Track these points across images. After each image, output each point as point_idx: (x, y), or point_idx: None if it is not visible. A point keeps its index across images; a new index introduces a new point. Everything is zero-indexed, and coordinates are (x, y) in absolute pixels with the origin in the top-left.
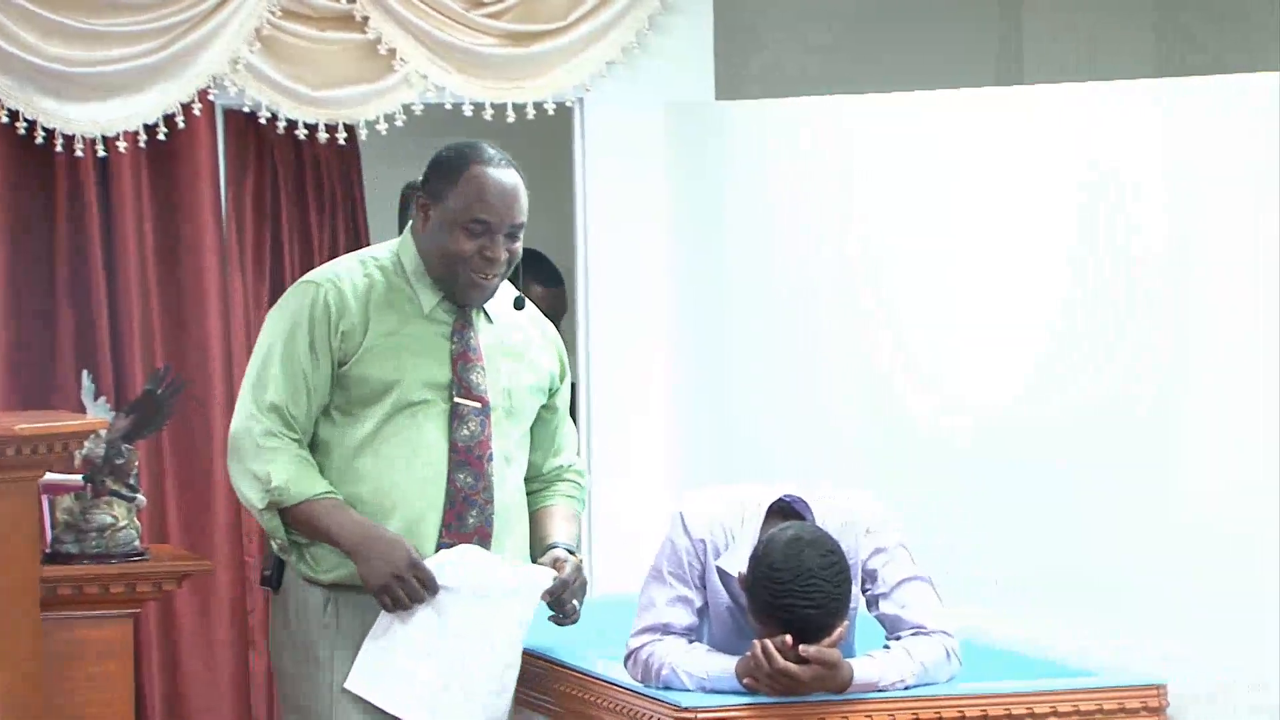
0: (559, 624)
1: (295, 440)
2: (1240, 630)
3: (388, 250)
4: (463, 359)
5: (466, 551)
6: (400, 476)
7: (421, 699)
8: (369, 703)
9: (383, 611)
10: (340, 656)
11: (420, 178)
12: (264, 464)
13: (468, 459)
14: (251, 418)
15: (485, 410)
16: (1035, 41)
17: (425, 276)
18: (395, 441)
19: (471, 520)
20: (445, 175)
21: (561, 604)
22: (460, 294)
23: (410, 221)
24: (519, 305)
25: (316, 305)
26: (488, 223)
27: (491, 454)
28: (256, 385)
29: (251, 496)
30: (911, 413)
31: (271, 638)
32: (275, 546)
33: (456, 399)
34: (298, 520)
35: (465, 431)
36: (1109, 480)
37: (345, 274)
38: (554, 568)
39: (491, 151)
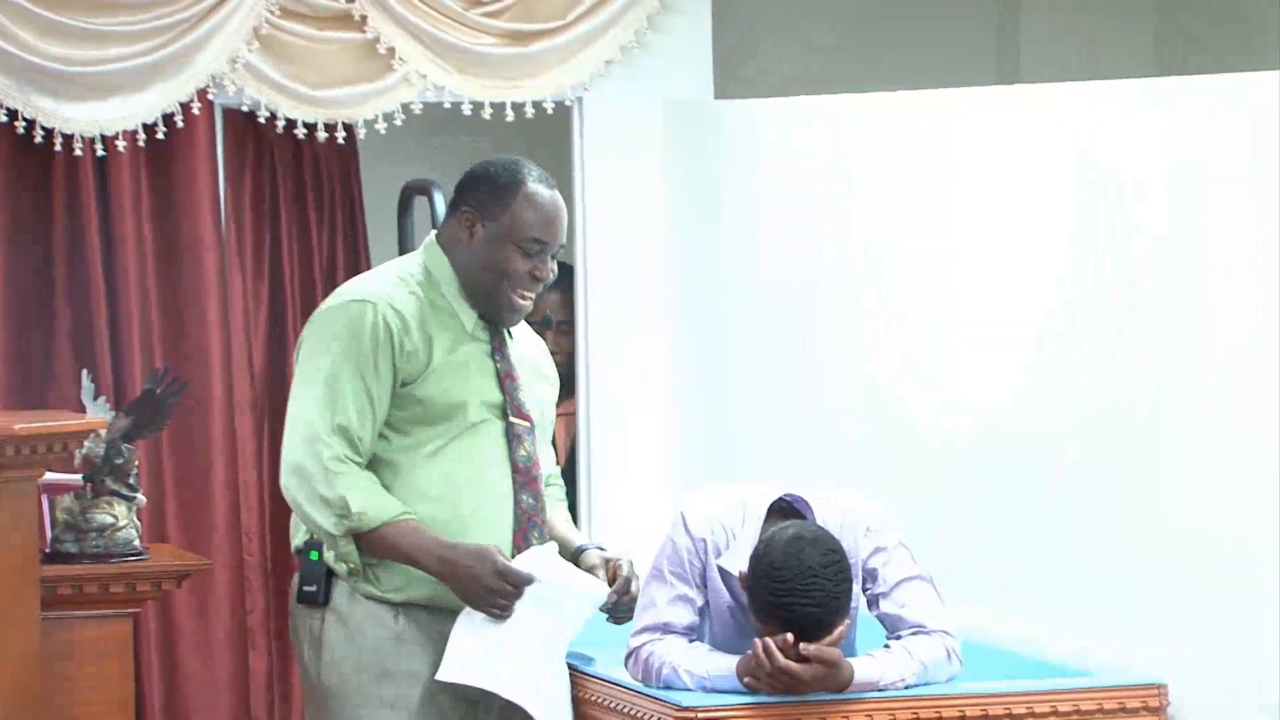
0: (618, 622)
1: (359, 463)
2: (1241, 630)
3: (416, 266)
4: (509, 378)
5: (547, 551)
6: (469, 498)
7: (511, 685)
8: (453, 707)
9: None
10: (415, 669)
11: (459, 188)
12: (337, 489)
13: (527, 480)
14: (318, 440)
15: (532, 429)
16: (1034, 43)
17: (461, 293)
18: (461, 462)
19: (534, 541)
20: (499, 192)
21: (621, 605)
22: (500, 311)
23: (435, 234)
24: (548, 323)
25: (377, 325)
26: (544, 243)
27: (541, 473)
28: (323, 407)
29: (324, 523)
30: (910, 411)
31: (323, 652)
32: (346, 569)
33: (511, 418)
34: (373, 543)
35: (523, 452)
36: (1109, 479)
37: (393, 291)
38: (609, 568)
39: (538, 170)
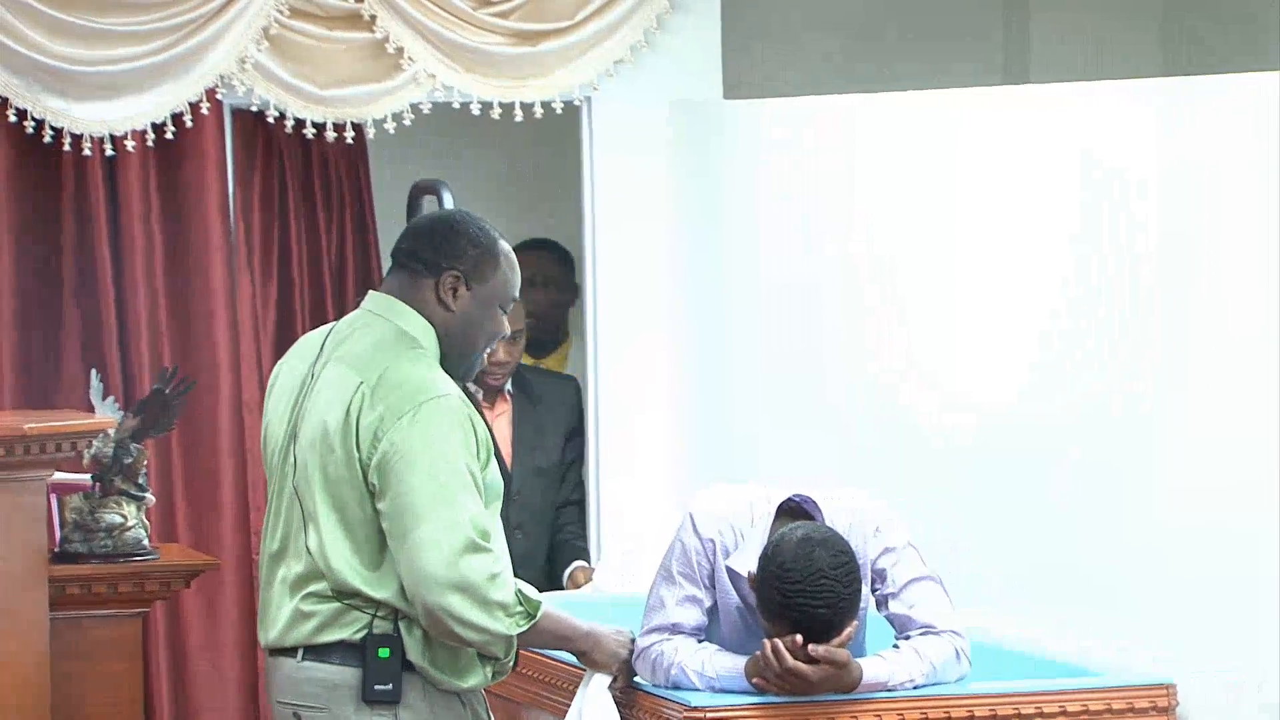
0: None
1: (499, 554)
2: (1243, 629)
3: (411, 334)
4: None
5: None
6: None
7: None
8: None
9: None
10: None
11: (434, 247)
12: (508, 590)
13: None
14: (474, 550)
15: None
16: (1042, 44)
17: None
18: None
19: None
20: (485, 253)
21: None
22: (470, 373)
23: (393, 299)
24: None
25: (464, 421)
26: (516, 300)
27: None
28: (466, 514)
29: (500, 627)
30: (915, 411)
31: None
32: (492, 672)
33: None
34: (528, 634)
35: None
36: (1112, 479)
37: (444, 373)
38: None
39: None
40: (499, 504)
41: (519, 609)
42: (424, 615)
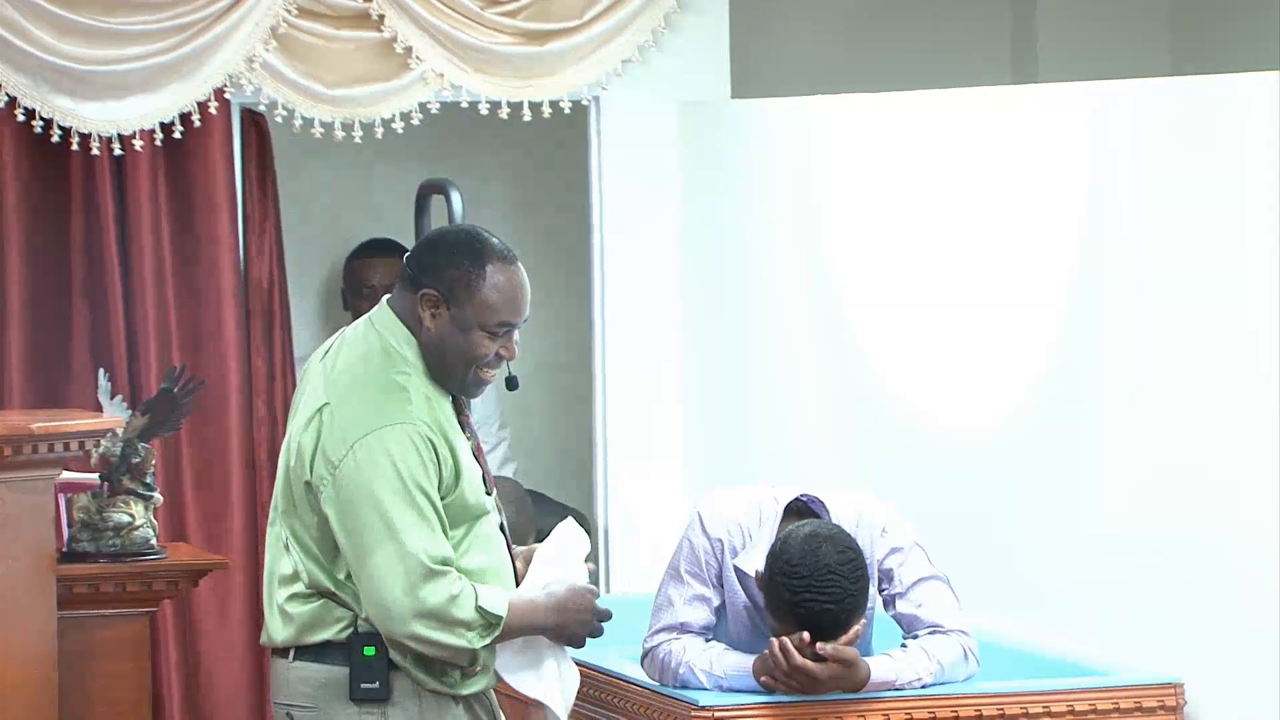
0: None
1: (456, 574)
2: (1255, 628)
3: (397, 350)
4: (479, 451)
5: (569, 530)
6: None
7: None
8: None
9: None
10: None
11: (416, 264)
12: (470, 608)
13: (511, 560)
14: (431, 578)
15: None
16: (1050, 42)
17: (426, 373)
18: (480, 558)
19: None
20: (465, 276)
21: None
22: (465, 390)
23: (390, 309)
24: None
25: (421, 448)
26: (513, 325)
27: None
28: (419, 543)
29: (466, 643)
30: (923, 410)
31: None
32: (460, 673)
33: (493, 492)
34: (501, 636)
35: (503, 521)
36: (1120, 479)
37: (414, 398)
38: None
39: (498, 243)
40: (485, 519)
41: (480, 623)
42: (388, 642)
